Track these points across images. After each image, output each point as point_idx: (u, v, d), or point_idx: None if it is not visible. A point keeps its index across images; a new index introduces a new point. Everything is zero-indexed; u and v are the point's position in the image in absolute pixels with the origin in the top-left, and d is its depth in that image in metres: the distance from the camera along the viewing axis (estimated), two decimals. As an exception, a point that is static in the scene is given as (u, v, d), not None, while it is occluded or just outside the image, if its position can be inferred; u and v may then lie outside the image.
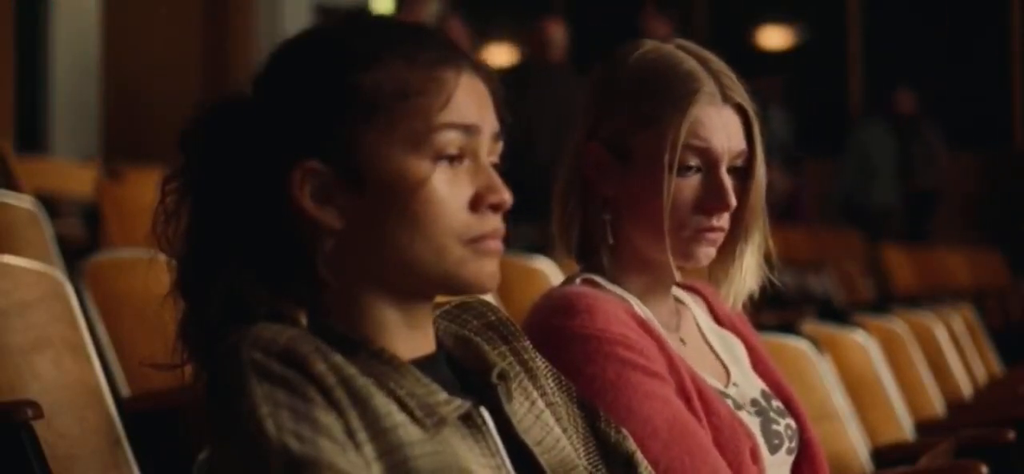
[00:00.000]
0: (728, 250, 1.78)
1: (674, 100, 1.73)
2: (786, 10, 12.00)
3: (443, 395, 1.29)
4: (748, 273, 1.80)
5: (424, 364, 1.32)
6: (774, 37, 12.08)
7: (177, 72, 8.71)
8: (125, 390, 2.43)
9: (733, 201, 1.74)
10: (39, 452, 1.90)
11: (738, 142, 1.75)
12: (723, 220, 1.75)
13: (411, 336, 1.34)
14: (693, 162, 1.73)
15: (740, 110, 1.76)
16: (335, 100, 1.28)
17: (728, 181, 1.74)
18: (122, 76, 8.34)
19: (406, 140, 1.28)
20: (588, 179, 1.78)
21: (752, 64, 9.76)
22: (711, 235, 1.75)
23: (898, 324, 4.04)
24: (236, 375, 1.20)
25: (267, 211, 1.29)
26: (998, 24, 11.20)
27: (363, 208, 1.28)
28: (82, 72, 7.99)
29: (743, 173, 1.77)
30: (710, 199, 1.73)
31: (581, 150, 1.79)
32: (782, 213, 9.28)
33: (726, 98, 1.75)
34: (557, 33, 7.18)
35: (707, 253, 1.76)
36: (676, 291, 1.86)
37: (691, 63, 1.76)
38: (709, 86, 1.74)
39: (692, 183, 1.74)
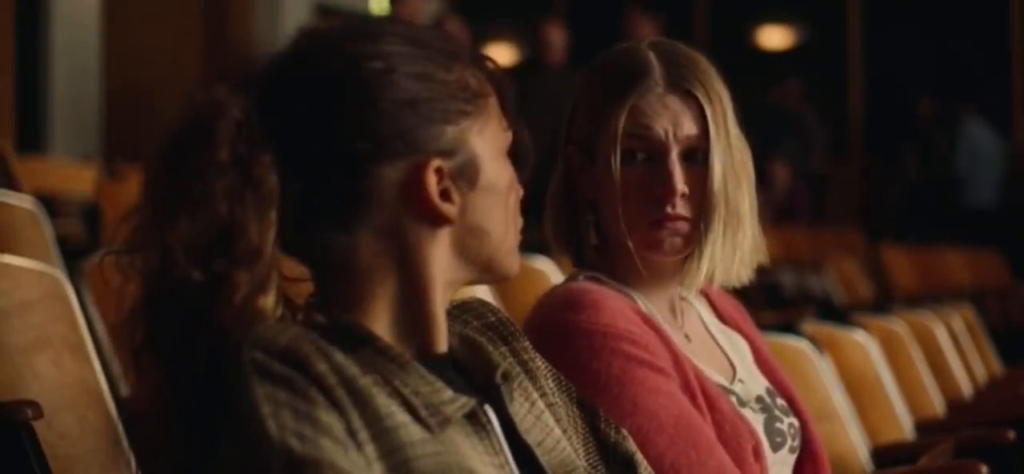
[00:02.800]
0: (693, 238, 1.75)
1: (616, 92, 1.74)
2: (786, 10, 12.00)
3: (448, 393, 1.29)
4: (723, 262, 1.75)
5: (433, 362, 1.32)
6: (774, 37, 12.09)
7: (177, 72, 8.71)
8: (125, 390, 2.43)
9: (679, 186, 1.72)
10: (39, 452, 1.90)
11: (688, 128, 1.74)
12: (680, 207, 1.73)
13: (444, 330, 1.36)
14: (639, 151, 1.74)
15: (695, 98, 1.74)
16: (444, 96, 1.31)
17: (676, 168, 1.73)
18: (122, 76, 8.33)
19: (494, 137, 1.35)
20: (572, 182, 1.80)
21: (752, 64, 9.77)
22: (670, 223, 1.73)
23: (898, 324, 4.04)
24: (237, 375, 1.20)
25: (351, 204, 1.28)
26: (998, 25, 11.20)
27: (472, 203, 1.32)
28: (82, 72, 7.99)
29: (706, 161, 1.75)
30: (657, 186, 1.73)
31: (564, 154, 1.80)
32: (783, 213, 9.28)
33: (675, 86, 1.74)
34: (556, 35, 7.19)
35: (672, 243, 1.74)
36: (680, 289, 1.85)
37: (644, 56, 1.76)
38: (655, 75, 1.74)
39: (641, 172, 1.74)
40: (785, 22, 12.02)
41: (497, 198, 1.34)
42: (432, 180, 1.29)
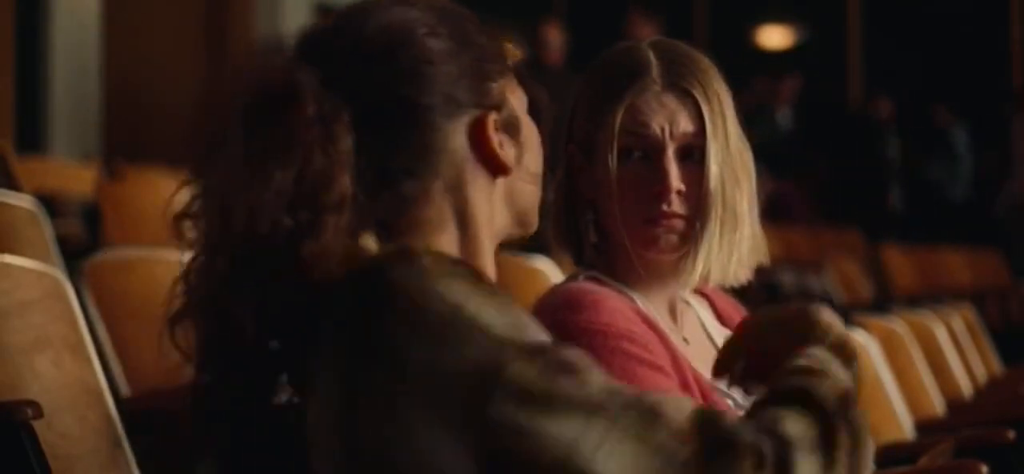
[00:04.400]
0: (690, 237, 1.75)
1: (614, 90, 1.75)
2: (786, 10, 12.00)
3: None
4: (719, 262, 1.75)
5: None
6: (774, 37, 12.09)
7: (177, 72, 8.71)
8: (125, 390, 2.43)
9: (674, 184, 1.72)
10: (39, 452, 1.90)
11: (685, 126, 1.74)
12: (676, 205, 1.73)
13: None
14: (636, 149, 1.74)
15: (693, 97, 1.75)
16: (493, 57, 1.38)
17: (672, 165, 1.73)
18: (122, 76, 8.33)
19: (521, 96, 1.42)
20: (572, 181, 1.80)
21: (752, 64, 9.75)
22: (666, 221, 1.73)
23: (898, 324, 4.04)
24: (421, 286, 1.18)
25: (420, 160, 1.32)
26: (998, 24, 11.20)
27: (519, 155, 1.39)
28: (82, 72, 7.99)
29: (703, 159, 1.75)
30: (653, 183, 1.73)
31: (564, 153, 1.81)
32: (779, 213, 9.28)
33: (673, 84, 1.75)
34: (555, 35, 7.19)
35: (668, 240, 1.74)
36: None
37: (642, 55, 1.77)
38: (653, 73, 1.75)
39: (638, 170, 1.74)
40: (785, 22, 12.02)
41: (533, 151, 1.42)
42: (493, 132, 1.35)
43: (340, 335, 1.21)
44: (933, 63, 11.17)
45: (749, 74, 9.17)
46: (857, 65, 11.71)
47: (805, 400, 1.20)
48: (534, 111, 1.44)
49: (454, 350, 1.14)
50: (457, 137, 1.34)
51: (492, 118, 1.35)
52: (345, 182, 1.26)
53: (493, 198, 1.37)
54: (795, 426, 1.16)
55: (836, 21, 11.68)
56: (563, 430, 1.10)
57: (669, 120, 1.74)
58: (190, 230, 1.29)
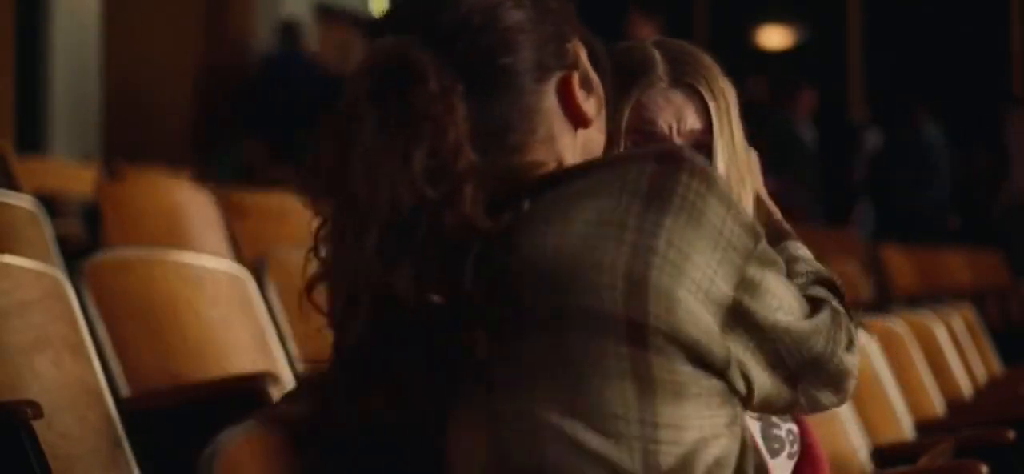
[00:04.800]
0: None
1: (620, 88, 1.74)
2: (786, 10, 12.01)
3: None
4: None
5: None
6: (774, 37, 12.09)
7: (177, 72, 8.72)
8: (125, 390, 2.43)
9: None
10: (39, 452, 1.90)
11: (692, 123, 1.74)
12: None
13: None
14: (643, 146, 1.74)
15: (699, 94, 1.75)
16: (565, 19, 1.48)
17: None
18: (122, 76, 8.33)
19: (584, 50, 1.51)
20: None
21: (752, 64, 9.71)
22: None
23: (898, 324, 4.05)
24: (707, 166, 1.38)
25: (523, 121, 1.42)
26: (998, 24, 11.21)
27: (597, 106, 1.49)
28: (82, 72, 7.99)
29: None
30: None
31: None
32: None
33: (678, 81, 1.75)
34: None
35: None
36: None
37: (647, 53, 1.77)
38: (658, 70, 1.75)
39: None
40: (785, 22, 12.02)
41: (602, 104, 1.50)
42: (577, 89, 1.45)
43: (607, 195, 1.36)
44: (932, 63, 11.17)
45: (749, 74, 9.18)
46: (857, 65, 11.72)
47: (824, 282, 1.63)
48: (593, 60, 1.51)
49: (736, 216, 1.38)
50: (549, 97, 1.43)
51: (575, 76, 1.45)
52: (468, 149, 1.35)
53: (576, 148, 1.46)
54: (833, 299, 1.55)
55: (836, 21, 11.69)
56: (779, 289, 1.42)
57: (676, 117, 1.74)
58: (318, 205, 1.39)
